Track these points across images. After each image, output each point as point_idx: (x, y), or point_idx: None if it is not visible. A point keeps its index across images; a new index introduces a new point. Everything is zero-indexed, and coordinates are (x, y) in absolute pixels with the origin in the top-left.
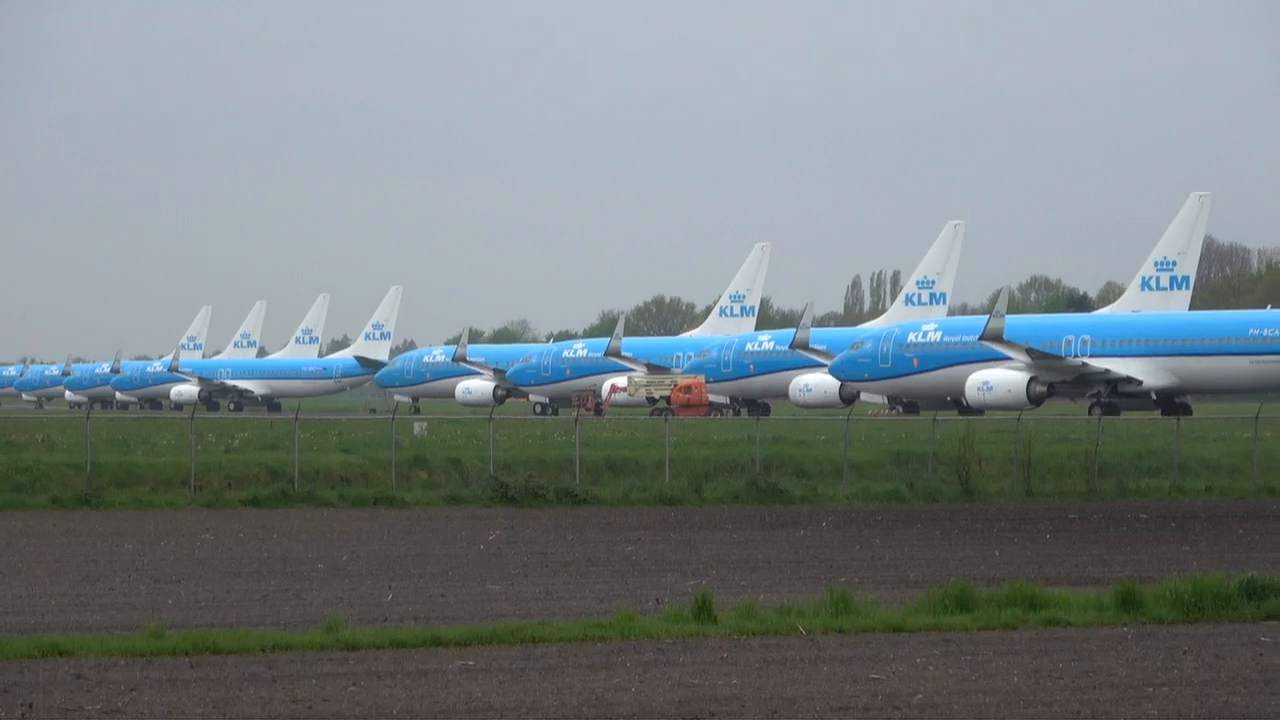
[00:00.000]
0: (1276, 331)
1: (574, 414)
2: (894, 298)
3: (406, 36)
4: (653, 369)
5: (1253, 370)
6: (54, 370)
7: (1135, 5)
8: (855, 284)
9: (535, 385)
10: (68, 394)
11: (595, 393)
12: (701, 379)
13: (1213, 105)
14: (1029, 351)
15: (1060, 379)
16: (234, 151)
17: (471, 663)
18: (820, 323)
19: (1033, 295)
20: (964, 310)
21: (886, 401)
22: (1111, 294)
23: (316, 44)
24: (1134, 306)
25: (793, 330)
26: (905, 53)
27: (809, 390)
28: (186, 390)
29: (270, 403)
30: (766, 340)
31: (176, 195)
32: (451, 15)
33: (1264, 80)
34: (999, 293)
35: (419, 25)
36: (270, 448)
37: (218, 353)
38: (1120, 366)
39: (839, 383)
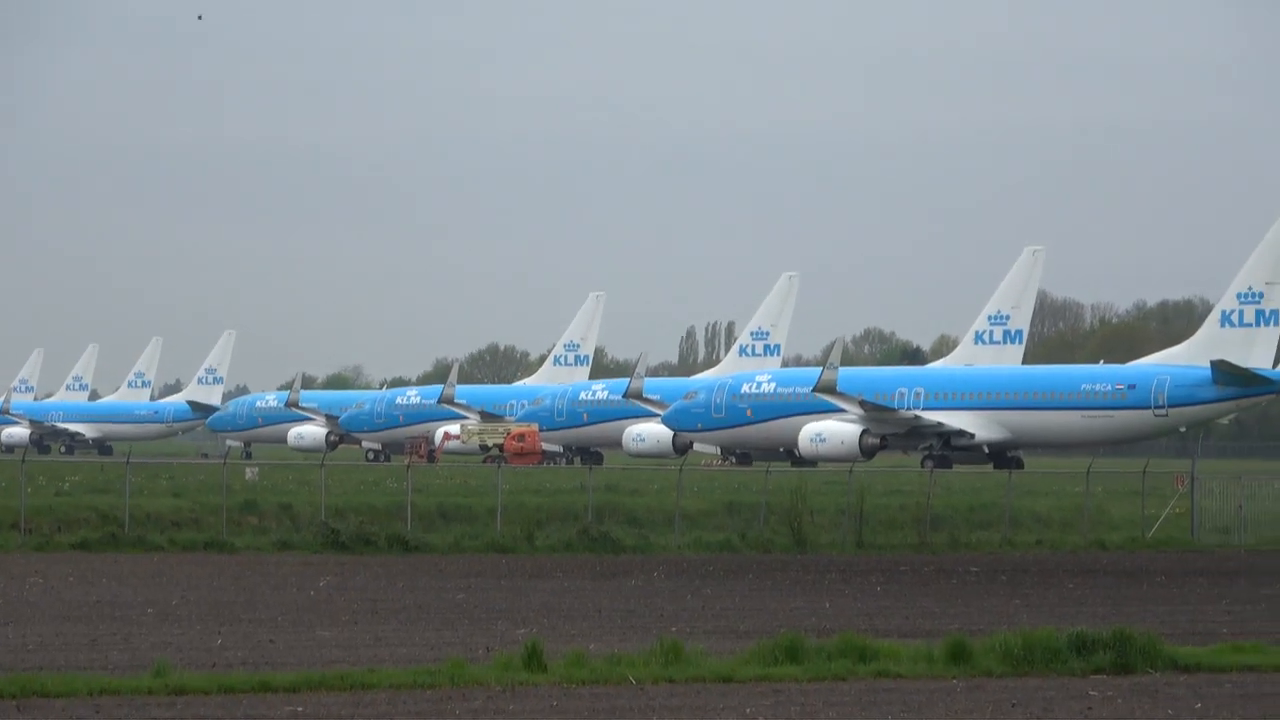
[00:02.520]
0: (1108, 387)
1: (406, 461)
2: (728, 348)
3: (242, 76)
4: (486, 417)
5: (1084, 425)
6: None
7: (968, 57)
8: (690, 334)
9: (368, 431)
10: None
11: (428, 440)
12: (535, 427)
13: (1047, 160)
14: (862, 404)
15: (893, 431)
16: (68, 192)
17: (301, 709)
18: (654, 372)
19: (866, 348)
20: (798, 361)
21: (720, 452)
22: (945, 347)
23: (153, 85)
24: (967, 360)
25: (627, 379)
26: (738, 100)
27: (642, 440)
28: (17, 433)
29: (102, 446)
30: (600, 389)
31: (6, 236)
32: (287, 57)
33: (1098, 136)
34: (833, 344)
35: (254, 65)
36: (101, 491)
37: (49, 395)
38: (953, 419)
39: (672, 432)
